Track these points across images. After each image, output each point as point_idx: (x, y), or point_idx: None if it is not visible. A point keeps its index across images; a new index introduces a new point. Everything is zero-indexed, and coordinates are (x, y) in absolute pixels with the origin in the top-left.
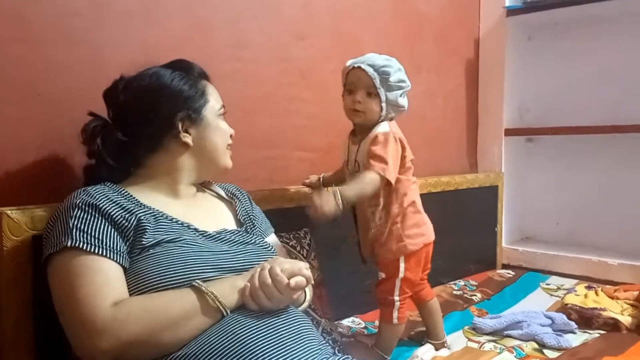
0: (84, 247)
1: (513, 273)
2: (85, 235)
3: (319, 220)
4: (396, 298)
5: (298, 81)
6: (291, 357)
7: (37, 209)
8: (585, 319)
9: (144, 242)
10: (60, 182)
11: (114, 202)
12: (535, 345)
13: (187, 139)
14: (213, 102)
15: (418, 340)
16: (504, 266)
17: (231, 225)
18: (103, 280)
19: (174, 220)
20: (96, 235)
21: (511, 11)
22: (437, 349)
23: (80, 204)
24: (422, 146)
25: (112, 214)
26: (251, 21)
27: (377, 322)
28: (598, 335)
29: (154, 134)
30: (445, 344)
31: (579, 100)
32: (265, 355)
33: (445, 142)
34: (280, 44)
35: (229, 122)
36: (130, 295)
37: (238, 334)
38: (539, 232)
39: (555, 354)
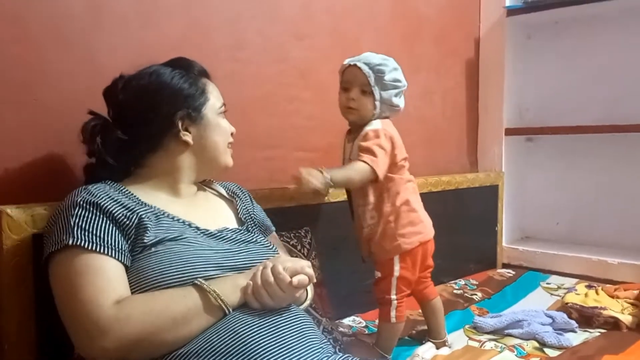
0: (86, 246)
1: (513, 272)
2: (86, 234)
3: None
4: (393, 297)
5: (297, 81)
6: (293, 356)
7: (38, 207)
8: (585, 317)
9: (145, 241)
10: (60, 181)
11: (115, 200)
12: (536, 344)
13: (187, 137)
14: (213, 100)
15: (419, 339)
16: (504, 265)
17: (232, 223)
18: (105, 279)
19: (176, 218)
20: (98, 234)
21: (511, 11)
22: (438, 348)
23: (81, 202)
24: (422, 146)
25: (113, 212)
26: (250, 21)
27: (377, 321)
28: (598, 334)
29: (154, 133)
30: (446, 343)
31: (579, 100)
32: (267, 353)
33: (445, 141)
34: (279, 44)
35: (228, 122)
36: (132, 293)
37: (240, 332)
38: (539, 231)
39: (556, 353)
